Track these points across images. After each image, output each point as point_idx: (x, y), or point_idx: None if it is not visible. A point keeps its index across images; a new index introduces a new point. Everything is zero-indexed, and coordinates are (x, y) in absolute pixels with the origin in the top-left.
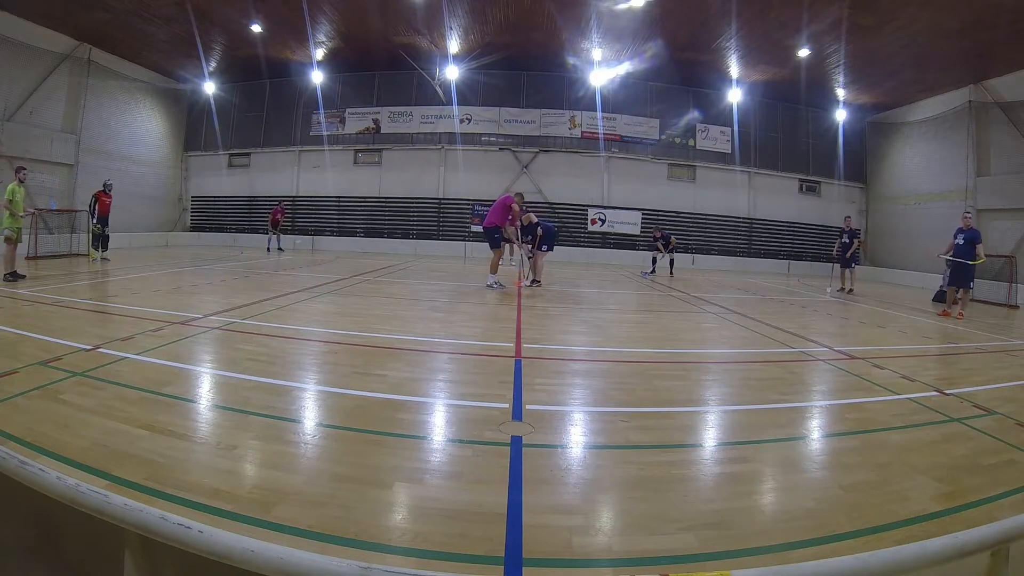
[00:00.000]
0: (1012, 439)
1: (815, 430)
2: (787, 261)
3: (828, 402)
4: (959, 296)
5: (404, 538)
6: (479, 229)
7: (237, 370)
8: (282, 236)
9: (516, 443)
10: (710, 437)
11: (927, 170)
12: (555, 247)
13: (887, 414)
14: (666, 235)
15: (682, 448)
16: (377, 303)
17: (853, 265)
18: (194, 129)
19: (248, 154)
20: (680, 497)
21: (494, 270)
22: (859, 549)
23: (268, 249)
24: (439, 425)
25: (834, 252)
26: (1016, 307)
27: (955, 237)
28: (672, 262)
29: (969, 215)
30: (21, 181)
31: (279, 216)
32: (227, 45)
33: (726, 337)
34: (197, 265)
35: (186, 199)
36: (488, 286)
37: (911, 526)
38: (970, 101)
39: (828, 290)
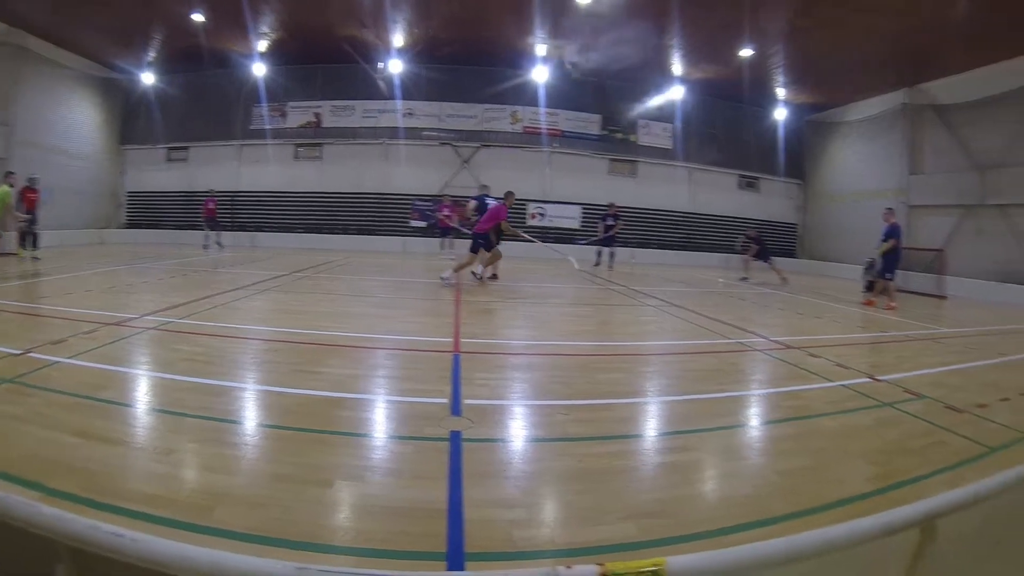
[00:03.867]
0: (941, 421)
1: (752, 418)
2: (727, 255)
3: (765, 391)
4: (885, 287)
5: (345, 537)
6: (420, 224)
7: (174, 371)
8: (216, 232)
9: (455, 438)
10: (649, 428)
11: (864, 168)
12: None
13: (822, 401)
14: (609, 224)
15: (621, 439)
16: (317, 300)
17: (770, 259)
18: (131, 121)
19: (187, 148)
20: (620, 487)
21: (459, 270)
22: (794, 531)
23: (205, 246)
24: (379, 422)
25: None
26: (945, 297)
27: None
28: (612, 255)
29: (888, 211)
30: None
31: (213, 206)
32: (167, 34)
33: (665, 330)
34: (133, 263)
35: (122, 194)
36: (443, 278)
37: (845, 507)
38: (904, 103)
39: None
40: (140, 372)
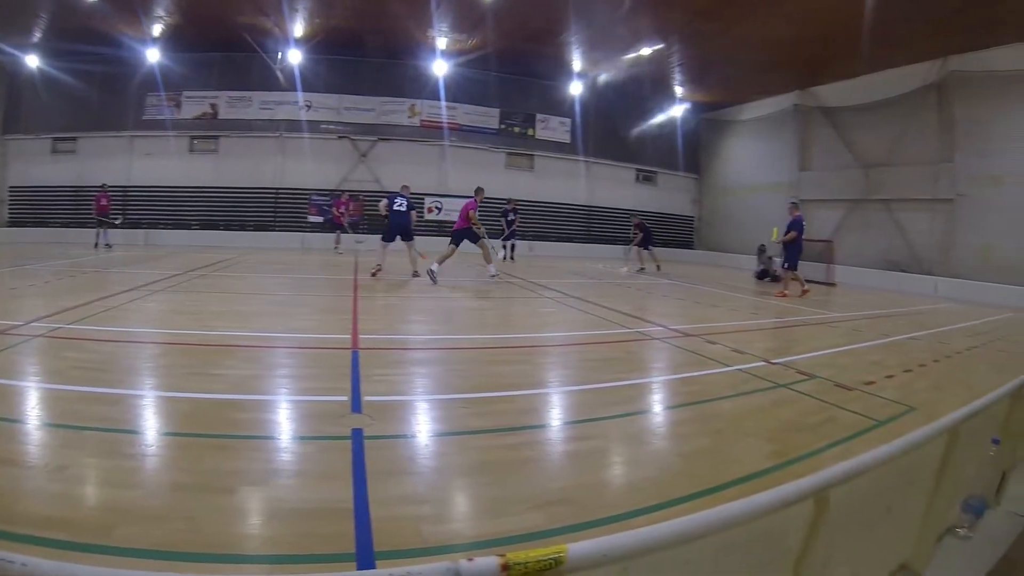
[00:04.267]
0: (832, 399)
1: (653, 404)
2: (626, 247)
3: (664, 377)
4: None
5: (253, 544)
6: (318, 220)
7: (64, 381)
8: (108, 230)
9: (357, 436)
10: (552, 418)
11: (757, 164)
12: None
13: (720, 385)
14: (510, 219)
15: (524, 430)
16: (213, 299)
17: (650, 247)
18: (14, 109)
19: (75, 139)
20: (525, 478)
21: (441, 262)
22: (696, 510)
23: (96, 244)
24: (279, 423)
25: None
26: (834, 285)
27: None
28: (513, 247)
29: (792, 205)
30: None
31: (105, 202)
32: (54, 13)
33: (564, 321)
34: (17, 265)
35: (3, 189)
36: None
37: (745, 483)
38: (796, 104)
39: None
40: (28, 384)
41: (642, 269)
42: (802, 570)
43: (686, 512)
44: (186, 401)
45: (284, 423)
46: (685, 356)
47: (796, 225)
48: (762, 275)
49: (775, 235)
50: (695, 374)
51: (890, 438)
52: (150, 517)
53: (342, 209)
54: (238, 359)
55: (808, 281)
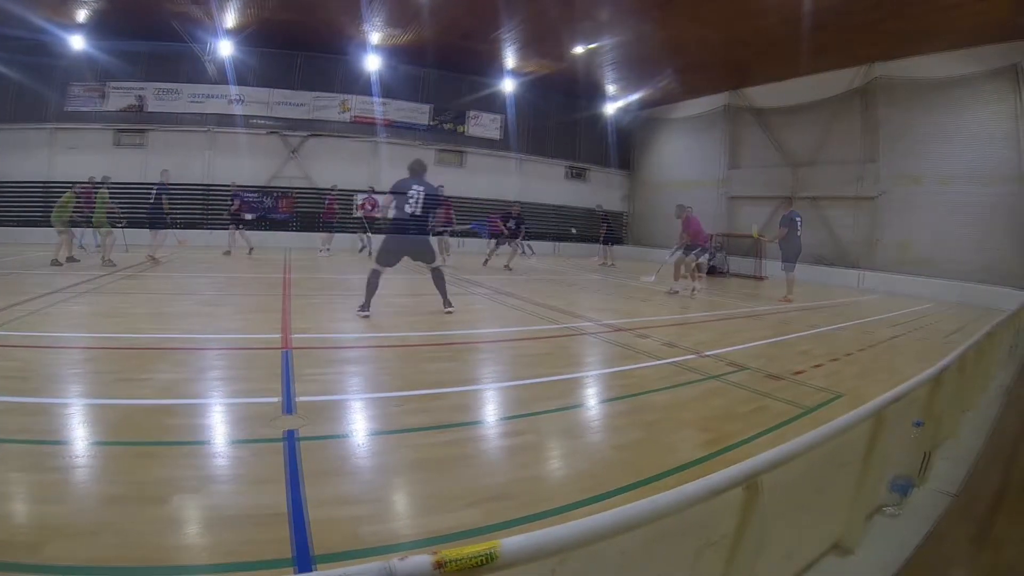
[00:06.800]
0: (762, 388)
1: (587, 398)
2: (554, 243)
3: (597, 371)
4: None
5: (189, 555)
6: (248, 217)
7: None
8: None
9: (290, 437)
10: (486, 414)
11: (688, 161)
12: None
13: (652, 378)
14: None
15: (459, 427)
16: (140, 301)
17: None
18: None
19: None
20: (462, 475)
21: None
22: (631, 501)
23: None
24: (211, 427)
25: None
26: (763, 278)
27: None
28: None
29: (786, 202)
30: None
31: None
32: None
33: (496, 317)
34: None
35: None
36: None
37: (680, 473)
38: (727, 105)
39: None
40: None
41: (605, 264)
42: (737, 554)
43: (622, 503)
44: (114, 408)
45: (216, 427)
46: (617, 350)
47: (787, 222)
48: (709, 270)
49: (755, 233)
50: (628, 368)
51: (819, 424)
52: (80, 533)
53: (368, 206)
54: (167, 362)
55: (738, 276)
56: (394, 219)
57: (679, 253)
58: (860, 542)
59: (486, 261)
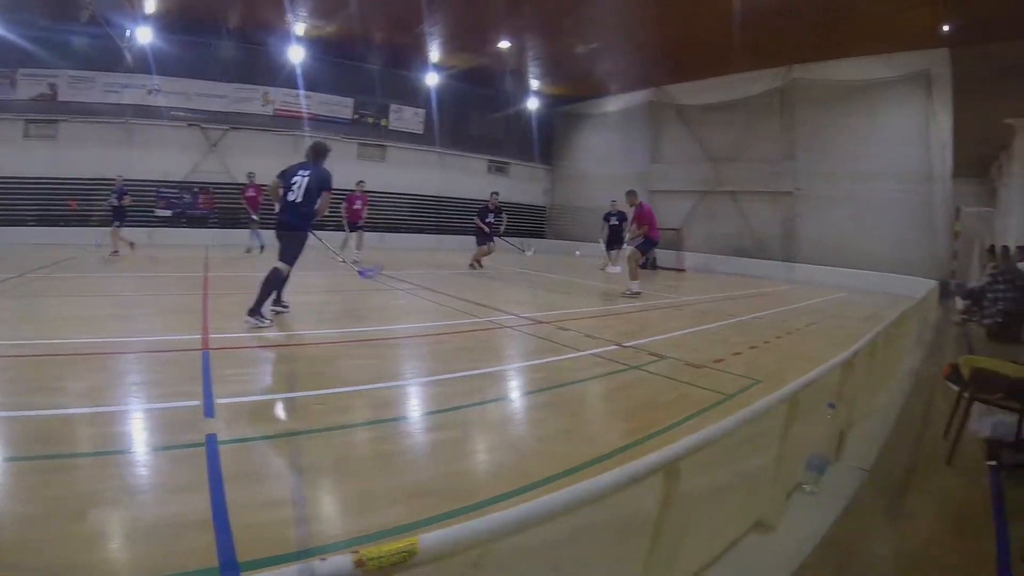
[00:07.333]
0: (683, 377)
1: (510, 391)
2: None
3: (519, 364)
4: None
5: (111, 570)
6: (166, 214)
7: None
8: None
9: (211, 442)
10: (409, 410)
11: (610, 156)
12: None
13: (574, 369)
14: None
15: (382, 424)
16: (54, 304)
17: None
18: None
19: None
20: (386, 472)
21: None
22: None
23: None
24: (130, 435)
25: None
26: (684, 270)
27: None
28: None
29: (615, 201)
30: None
31: None
32: None
33: (417, 312)
34: None
35: None
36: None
37: (603, 462)
38: (651, 101)
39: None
40: None
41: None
42: (660, 538)
43: (546, 495)
44: (27, 420)
45: (135, 435)
46: (538, 343)
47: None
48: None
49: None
50: (549, 360)
51: (738, 410)
52: None
53: (357, 205)
54: (83, 368)
55: (661, 268)
56: (280, 209)
57: (633, 248)
58: (781, 519)
59: (473, 264)
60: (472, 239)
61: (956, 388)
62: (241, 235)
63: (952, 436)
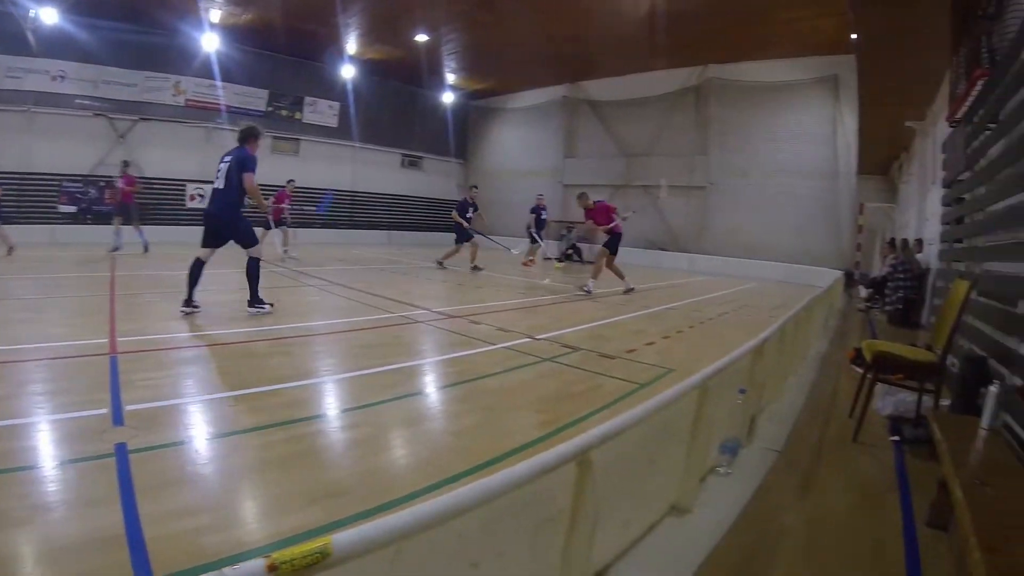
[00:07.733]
0: (596, 368)
1: (423, 386)
2: (388, 232)
3: (432, 359)
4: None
5: None
6: (69, 210)
7: None
8: None
9: (121, 451)
10: (323, 408)
11: (524, 150)
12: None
13: (487, 363)
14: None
15: (295, 424)
16: None
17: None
18: None
19: None
20: (301, 473)
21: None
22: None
23: None
24: (34, 449)
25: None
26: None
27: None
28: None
29: (541, 196)
30: None
31: None
32: None
33: (328, 308)
34: None
35: None
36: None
37: (519, 454)
38: (565, 96)
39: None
40: None
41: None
42: (575, 527)
43: (461, 488)
44: None
45: (40, 448)
46: (451, 337)
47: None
48: (566, 256)
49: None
50: (462, 354)
51: (650, 398)
52: None
53: (284, 204)
54: None
55: (580, 261)
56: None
57: (600, 247)
58: (696, 502)
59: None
60: (419, 235)
61: (860, 370)
62: (147, 231)
63: (857, 415)
